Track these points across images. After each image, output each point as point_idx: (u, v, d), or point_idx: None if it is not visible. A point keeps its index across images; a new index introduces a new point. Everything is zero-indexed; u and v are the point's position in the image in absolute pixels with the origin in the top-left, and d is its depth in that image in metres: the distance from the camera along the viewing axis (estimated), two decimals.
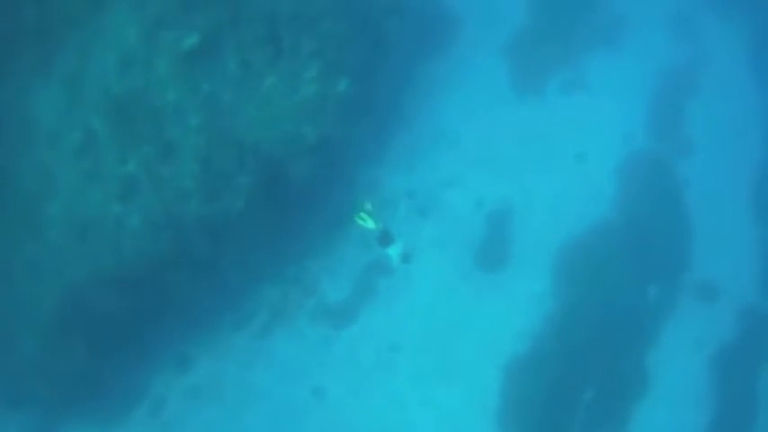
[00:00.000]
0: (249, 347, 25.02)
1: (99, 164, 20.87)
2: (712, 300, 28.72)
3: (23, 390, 22.64)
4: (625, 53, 32.92)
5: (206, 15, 21.51)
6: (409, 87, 29.79)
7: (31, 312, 21.54)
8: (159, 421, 24.22)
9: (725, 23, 34.61)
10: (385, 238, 21.53)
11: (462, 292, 26.87)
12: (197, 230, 22.15)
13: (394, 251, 21.87)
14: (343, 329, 25.72)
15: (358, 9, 24.73)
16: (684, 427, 26.78)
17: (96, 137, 20.80)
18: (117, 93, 20.74)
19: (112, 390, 23.79)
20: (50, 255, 21.12)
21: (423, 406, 25.02)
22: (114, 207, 21.06)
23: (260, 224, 23.65)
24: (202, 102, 21.44)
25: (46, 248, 21.14)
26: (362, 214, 21.02)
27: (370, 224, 21.09)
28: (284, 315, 25.53)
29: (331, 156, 24.45)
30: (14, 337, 22.00)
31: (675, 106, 32.50)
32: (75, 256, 21.17)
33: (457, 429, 24.92)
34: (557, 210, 28.72)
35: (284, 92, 22.61)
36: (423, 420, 24.81)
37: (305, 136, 23.10)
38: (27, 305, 21.54)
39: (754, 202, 31.30)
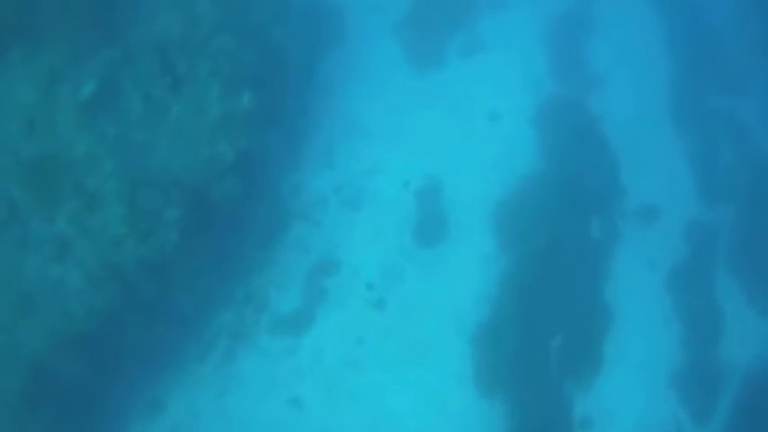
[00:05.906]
0: (217, 376, 26.47)
1: (28, 231, 22.44)
2: (654, 220, 31.78)
3: None
4: (513, 4, 35.85)
5: (97, 59, 23.36)
6: (312, 87, 31.82)
7: None
8: None
9: None
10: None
11: (410, 272, 29.08)
12: (139, 273, 23.72)
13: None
14: (304, 336, 27.44)
15: (243, 22, 26.71)
16: (657, 347, 29.67)
17: (18, 205, 22.40)
18: (28, 157, 22.42)
19: None
20: (2, 333, 22.39)
21: (400, 390, 27.08)
22: (53, 270, 22.57)
23: (198, 252, 25.40)
24: (113, 145, 23.23)
25: None
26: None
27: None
28: (244, 336, 27.15)
29: (252, 170, 26.39)
30: None
31: (575, 45, 35.50)
32: (26, 329, 22.47)
33: (438, 404, 27.07)
34: (483, 171, 31.22)
35: (192, 117, 24.51)
36: (403, 404, 26.90)
37: (222, 156, 24.97)
38: None
39: (672, 117, 34.51)
